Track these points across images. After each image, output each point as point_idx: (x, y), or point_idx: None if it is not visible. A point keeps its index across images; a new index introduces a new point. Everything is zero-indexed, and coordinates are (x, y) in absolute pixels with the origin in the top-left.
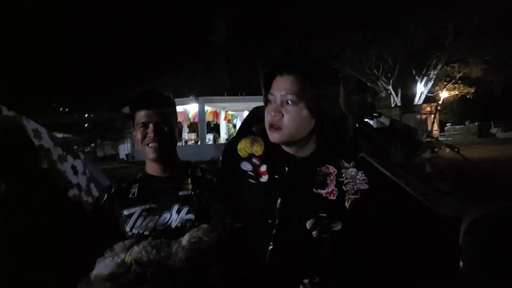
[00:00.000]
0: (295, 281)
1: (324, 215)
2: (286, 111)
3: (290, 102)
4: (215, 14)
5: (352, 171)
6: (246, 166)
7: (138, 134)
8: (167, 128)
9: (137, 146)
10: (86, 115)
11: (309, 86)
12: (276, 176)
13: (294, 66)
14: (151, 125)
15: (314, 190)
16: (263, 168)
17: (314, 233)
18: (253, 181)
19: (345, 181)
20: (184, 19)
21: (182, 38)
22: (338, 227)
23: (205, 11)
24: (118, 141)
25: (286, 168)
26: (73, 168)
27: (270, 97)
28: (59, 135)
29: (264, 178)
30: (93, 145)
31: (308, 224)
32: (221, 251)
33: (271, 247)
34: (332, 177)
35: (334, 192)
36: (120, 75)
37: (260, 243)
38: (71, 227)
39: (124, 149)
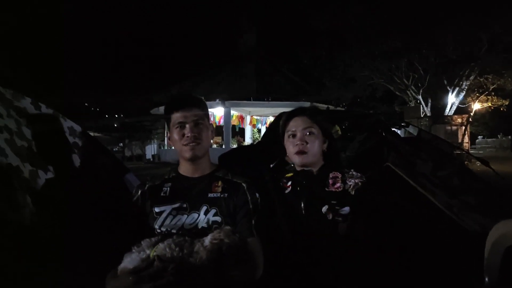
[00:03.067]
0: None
1: (335, 202)
2: (309, 139)
3: (310, 133)
4: (244, 20)
5: (352, 172)
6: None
7: (175, 135)
8: (203, 128)
9: (174, 146)
10: (116, 116)
11: (318, 120)
12: (298, 188)
13: (305, 110)
14: (187, 125)
15: (326, 189)
16: (289, 183)
17: (328, 216)
18: (286, 192)
19: (348, 179)
20: (213, 24)
21: (211, 42)
22: (346, 210)
23: (234, 17)
24: (145, 142)
25: (304, 181)
26: (104, 166)
27: (290, 132)
28: (90, 133)
29: (288, 190)
30: (121, 144)
31: (324, 209)
32: (242, 253)
33: (298, 234)
34: (338, 178)
35: (340, 186)
36: (148, 77)
37: (290, 232)
38: (102, 223)
39: (150, 150)
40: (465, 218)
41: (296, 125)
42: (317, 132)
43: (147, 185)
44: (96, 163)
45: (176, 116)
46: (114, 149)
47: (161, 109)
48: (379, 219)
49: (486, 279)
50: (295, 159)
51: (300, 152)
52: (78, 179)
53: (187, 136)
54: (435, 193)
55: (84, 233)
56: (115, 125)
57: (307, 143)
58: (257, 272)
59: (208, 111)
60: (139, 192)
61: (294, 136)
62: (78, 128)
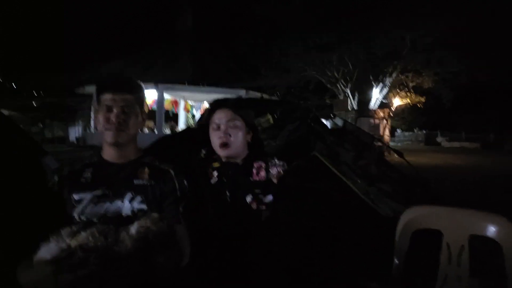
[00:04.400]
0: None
1: (259, 190)
2: (232, 132)
3: (234, 126)
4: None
5: (275, 161)
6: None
7: (101, 117)
8: (131, 115)
9: (97, 128)
10: (35, 94)
11: (241, 113)
12: (224, 179)
13: (228, 102)
14: (115, 110)
15: (251, 178)
16: (215, 174)
17: (253, 205)
18: (212, 182)
19: (271, 167)
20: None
21: (144, 21)
22: (270, 198)
23: None
24: (69, 123)
25: (230, 171)
26: (17, 147)
27: (214, 125)
28: (5, 112)
29: (214, 180)
30: (41, 125)
31: (248, 199)
32: (169, 240)
33: (224, 223)
34: (262, 167)
35: (264, 175)
36: (75, 55)
37: (216, 220)
38: (14, 210)
39: (75, 132)
40: (380, 204)
41: (219, 118)
42: (241, 124)
43: (65, 170)
44: (8, 144)
45: (105, 98)
46: (32, 130)
47: (88, 88)
48: (303, 206)
49: (396, 260)
50: (219, 152)
51: (224, 145)
52: None
53: (112, 121)
54: (355, 181)
55: None
56: (34, 104)
57: (230, 135)
58: (183, 260)
59: (143, 96)
60: (56, 177)
61: (218, 128)
62: None
